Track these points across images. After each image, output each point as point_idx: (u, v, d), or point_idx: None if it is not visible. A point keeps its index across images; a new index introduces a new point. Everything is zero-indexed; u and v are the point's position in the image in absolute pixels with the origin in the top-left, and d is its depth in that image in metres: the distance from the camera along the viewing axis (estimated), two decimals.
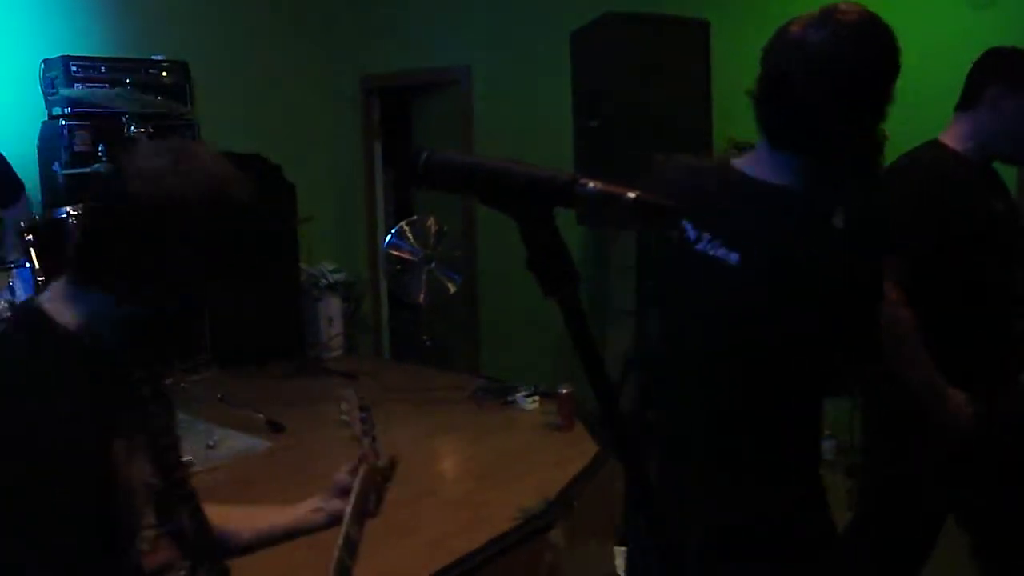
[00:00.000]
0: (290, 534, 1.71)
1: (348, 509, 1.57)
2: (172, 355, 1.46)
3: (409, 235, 5.55)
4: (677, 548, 1.77)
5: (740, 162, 1.71)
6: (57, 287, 1.34)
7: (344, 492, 1.65)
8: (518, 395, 4.96)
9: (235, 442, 4.43)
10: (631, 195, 0.83)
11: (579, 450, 4.08)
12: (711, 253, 1.64)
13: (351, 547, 1.52)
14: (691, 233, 1.68)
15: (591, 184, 0.84)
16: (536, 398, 4.94)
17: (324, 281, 6.64)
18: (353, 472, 1.66)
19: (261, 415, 4.65)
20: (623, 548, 3.83)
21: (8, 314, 3.71)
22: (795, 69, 1.58)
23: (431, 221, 5.62)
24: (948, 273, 2.54)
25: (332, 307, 6.61)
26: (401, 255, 5.55)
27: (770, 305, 1.59)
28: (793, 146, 1.64)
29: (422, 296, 5.58)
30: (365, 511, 1.62)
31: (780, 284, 1.58)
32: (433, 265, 5.58)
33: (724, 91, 4.69)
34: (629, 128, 4.36)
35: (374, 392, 5.45)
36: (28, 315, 1.34)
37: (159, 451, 1.38)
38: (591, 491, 3.78)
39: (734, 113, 4.99)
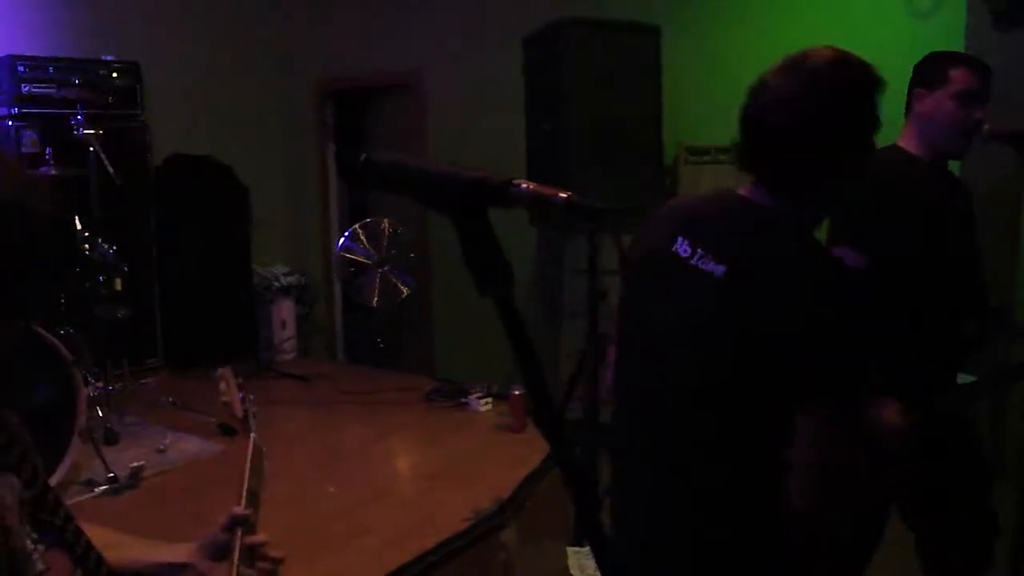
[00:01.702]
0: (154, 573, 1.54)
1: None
2: None
3: (362, 237, 5.54)
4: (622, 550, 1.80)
5: (743, 189, 1.75)
6: None
7: (219, 551, 1.51)
8: (471, 396, 4.98)
9: (186, 445, 4.40)
10: (563, 195, 0.85)
11: (531, 450, 4.10)
12: (701, 267, 1.67)
13: None
14: (686, 249, 1.72)
15: (524, 185, 0.86)
16: (489, 399, 4.96)
17: (277, 284, 6.61)
18: (228, 530, 1.51)
19: (212, 418, 4.62)
20: (575, 548, 3.87)
21: None
22: (767, 119, 1.64)
23: (385, 223, 5.61)
24: (899, 273, 2.62)
25: (285, 310, 6.58)
26: (354, 258, 5.54)
27: (752, 314, 1.60)
28: (776, 190, 1.69)
29: (375, 298, 5.58)
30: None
31: (761, 293, 1.60)
32: (387, 268, 5.57)
33: (675, 96, 4.76)
34: (581, 132, 4.40)
35: (328, 394, 5.45)
36: None
37: (16, 462, 1.29)
38: (543, 491, 3.81)
39: (685, 117, 5.08)
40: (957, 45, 4.11)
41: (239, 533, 1.48)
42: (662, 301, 1.78)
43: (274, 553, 1.52)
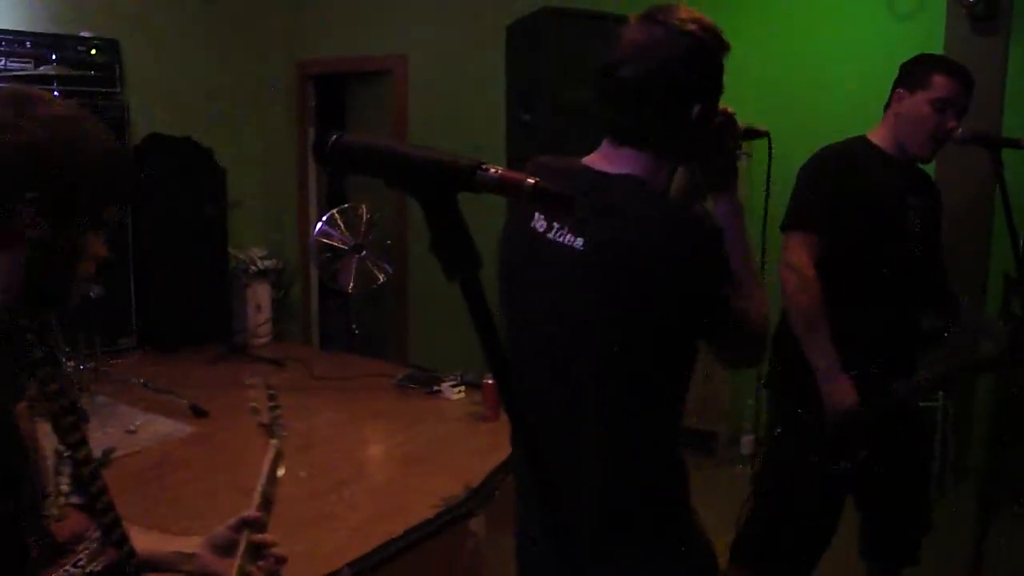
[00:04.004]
0: (153, 566, 1.58)
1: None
2: (47, 310, 1.38)
3: (340, 223, 5.53)
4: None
5: (587, 159, 1.78)
6: None
7: (223, 548, 1.57)
8: (444, 384, 4.98)
9: (157, 426, 4.38)
10: (530, 181, 0.86)
11: (502, 440, 4.06)
12: (559, 240, 1.69)
13: None
14: (542, 224, 1.74)
15: (492, 170, 0.86)
16: (462, 388, 4.96)
17: (253, 267, 6.58)
18: (235, 529, 1.57)
19: (184, 400, 4.61)
20: None
21: None
22: (620, 69, 1.67)
23: (362, 209, 5.60)
24: (855, 259, 2.67)
25: (260, 293, 6.55)
26: (331, 243, 5.52)
27: (615, 287, 1.63)
28: (627, 142, 1.71)
29: (351, 284, 5.56)
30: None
31: (623, 265, 1.62)
32: (363, 253, 5.56)
33: None
34: (562, 123, 4.40)
35: (300, 379, 5.44)
36: None
37: (56, 415, 1.35)
38: (513, 481, 3.82)
39: None
40: (936, 47, 4.14)
41: (246, 533, 1.54)
42: (531, 278, 1.80)
43: (279, 552, 1.58)
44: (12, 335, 1.30)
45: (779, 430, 2.84)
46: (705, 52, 1.67)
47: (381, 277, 5.63)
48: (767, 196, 1.99)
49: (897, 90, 2.78)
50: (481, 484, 3.69)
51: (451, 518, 3.44)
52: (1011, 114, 4.15)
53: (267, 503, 1.64)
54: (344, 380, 5.31)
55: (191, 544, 1.59)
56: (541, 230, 1.74)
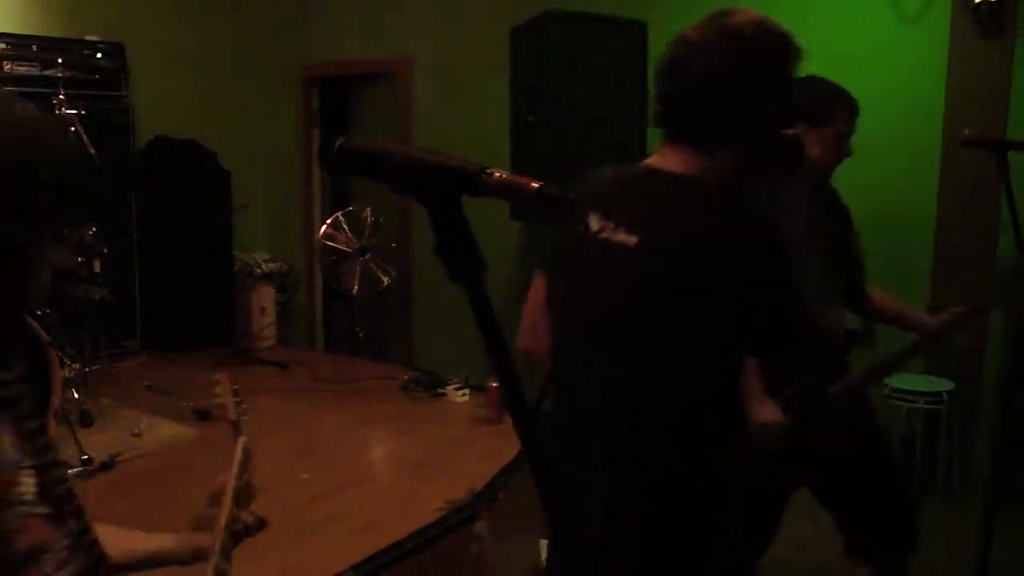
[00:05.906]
0: (151, 562, 1.52)
1: (216, 546, 1.45)
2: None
3: (345, 226, 5.54)
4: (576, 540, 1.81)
5: (650, 160, 1.76)
6: None
7: (205, 525, 1.53)
8: (448, 388, 4.99)
9: (161, 430, 4.39)
10: (534, 185, 0.85)
11: (507, 443, 4.11)
12: (612, 239, 1.67)
13: None
14: (596, 223, 1.72)
15: (497, 174, 0.86)
16: (466, 391, 4.97)
17: (258, 270, 6.59)
18: (214, 503, 1.54)
19: (188, 403, 4.61)
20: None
21: None
22: (686, 66, 1.67)
23: (367, 212, 5.61)
24: None
25: (265, 296, 6.56)
26: (336, 246, 5.53)
27: (667, 284, 1.61)
28: (679, 140, 1.70)
29: (356, 287, 5.57)
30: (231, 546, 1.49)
31: (677, 263, 1.60)
32: (368, 256, 5.57)
33: None
34: (565, 125, 4.41)
35: (306, 382, 5.45)
36: None
37: (26, 432, 1.28)
38: (518, 484, 3.82)
39: None
40: (941, 51, 4.14)
41: (224, 511, 1.50)
42: (580, 278, 1.78)
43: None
44: None
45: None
46: (755, 54, 1.65)
47: (385, 280, 5.64)
48: None
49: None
50: (485, 487, 3.69)
51: (455, 521, 3.44)
52: (1016, 117, 4.14)
53: (239, 500, 1.59)
54: (349, 383, 5.31)
55: (170, 539, 1.54)
56: (595, 229, 1.71)
